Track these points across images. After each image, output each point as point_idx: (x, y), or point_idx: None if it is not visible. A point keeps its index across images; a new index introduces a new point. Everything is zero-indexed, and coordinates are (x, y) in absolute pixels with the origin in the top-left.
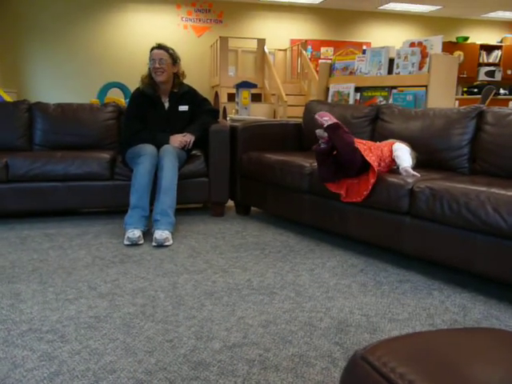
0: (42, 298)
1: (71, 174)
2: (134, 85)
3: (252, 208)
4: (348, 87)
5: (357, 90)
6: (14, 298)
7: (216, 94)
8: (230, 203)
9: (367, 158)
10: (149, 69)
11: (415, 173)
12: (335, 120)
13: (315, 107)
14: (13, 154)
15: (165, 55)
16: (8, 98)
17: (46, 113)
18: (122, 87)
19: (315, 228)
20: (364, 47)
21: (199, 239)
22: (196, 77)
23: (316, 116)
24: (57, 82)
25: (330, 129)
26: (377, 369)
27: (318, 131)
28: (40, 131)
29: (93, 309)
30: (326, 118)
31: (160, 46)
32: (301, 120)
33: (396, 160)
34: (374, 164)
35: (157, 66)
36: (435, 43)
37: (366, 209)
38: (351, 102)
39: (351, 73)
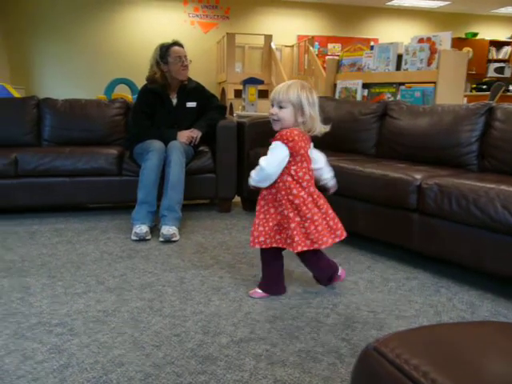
0: (51, 291)
1: (79, 169)
2: (141, 81)
3: None
4: (355, 83)
5: (364, 86)
6: (24, 292)
7: (223, 91)
8: (237, 199)
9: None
10: (158, 65)
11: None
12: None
13: (323, 104)
14: (22, 150)
15: (185, 52)
16: (17, 94)
17: (55, 109)
18: (129, 83)
19: None
20: (371, 43)
21: (206, 235)
22: (203, 73)
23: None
24: (64, 78)
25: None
26: (390, 360)
27: None
28: (48, 127)
29: (101, 303)
30: None
31: (179, 43)
32: None
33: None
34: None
35: (185, 63)
36: (444, 39)
37: (373, 205)
38: (359, 98)
39: (359, 69)
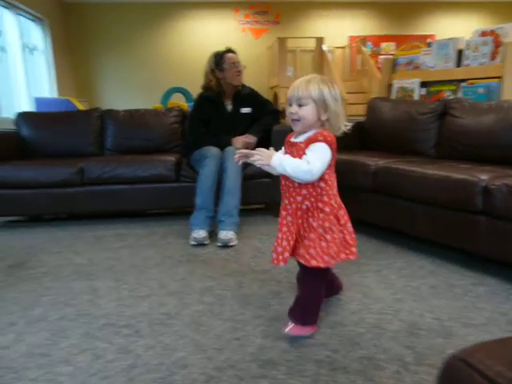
0: (117, 294)
1: (139, 176)
2: (195, 89)
3: None
4: (413, 83)
5: (423, 85)
6: (93, 294)
7: (275, 95)
8: None
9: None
10: (213, 73)
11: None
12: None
13: (379, 104)
14: (87, 159)
15: (238, 58)
16: (81, 107)
17: (116, 119)
18: (183, 92)
19: (381, 228)
20: (428, 40)
21: (263, 239)
22: (254, 78)
23: None
24: (123, 90)
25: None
26: (481, 372)
27: None
28: (110, 137)
29: (164, 306)
30: None
31: (233, 50)
32: (362, 118)
33: None
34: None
35: (240, 69)
36: (510, 31)
37: (435, 208)
38: (416, 97)
39: (416, 67)
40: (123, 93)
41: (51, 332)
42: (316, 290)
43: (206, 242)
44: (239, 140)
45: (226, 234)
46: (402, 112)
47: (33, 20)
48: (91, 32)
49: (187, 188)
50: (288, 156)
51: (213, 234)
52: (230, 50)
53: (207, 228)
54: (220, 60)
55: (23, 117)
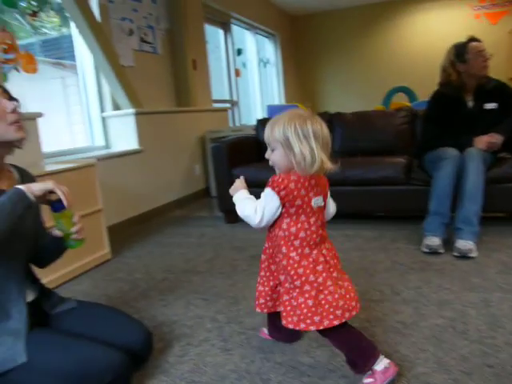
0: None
1: (368, 178)
2: (419, 86)
3: None
4: None
5: None
6: None
7: None
8: None
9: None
10: (453, 66)
11: None
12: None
13: None
14: None
15: (484, 46)
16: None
17: (344, 121)
18: (406, 91)
19: None
20: None
21: (510, 254)
22: (490, 69)
23: None
24: (343, 92)
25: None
26: None
27: None
28: (338, 139)
29: (398, 314)
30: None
31: (476, 38)
32: None
33: None
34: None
35: (487, 57)
36: None
37: None
38: None
39: None
40: (343, 96)
41: None
42: (339, 338)
43: (440, 251)
44: (482, 140)
45: (464, 244)
46: None
47: (266, 36)
48: (314, 40)
49: (418, 191)
50: (246, 196)
51: (447, 243)
52: (473, 39)
53: (442, 235)
54: (462, 51)
55: (261, 123)
